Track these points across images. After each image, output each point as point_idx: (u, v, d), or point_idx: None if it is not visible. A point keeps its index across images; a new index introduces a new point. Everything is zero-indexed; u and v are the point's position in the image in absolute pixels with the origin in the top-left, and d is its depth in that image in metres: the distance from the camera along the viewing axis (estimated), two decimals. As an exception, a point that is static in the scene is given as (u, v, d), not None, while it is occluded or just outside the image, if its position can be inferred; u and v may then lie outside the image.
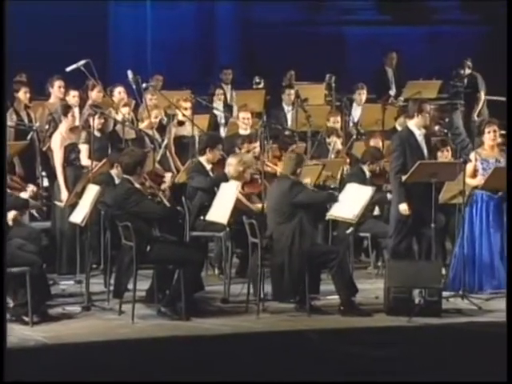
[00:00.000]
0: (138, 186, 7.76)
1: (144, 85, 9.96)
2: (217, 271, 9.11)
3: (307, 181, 8.25)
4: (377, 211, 9.27)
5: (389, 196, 8.93)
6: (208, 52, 14.82)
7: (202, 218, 8.68)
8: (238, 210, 8.29)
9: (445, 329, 7.31)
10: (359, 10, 15.19)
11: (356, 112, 11.91)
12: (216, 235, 8.76)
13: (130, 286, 7.65)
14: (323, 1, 15.35)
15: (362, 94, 11.92)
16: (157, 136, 10.02)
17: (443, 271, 8.25)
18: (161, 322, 7.50)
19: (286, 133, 10.83)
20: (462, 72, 12.59)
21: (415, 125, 8.48)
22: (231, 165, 8.76)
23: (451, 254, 8.75)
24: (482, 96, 12.55)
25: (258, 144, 9.45)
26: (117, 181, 8.72)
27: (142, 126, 9.99)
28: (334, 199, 8.07)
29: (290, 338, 7.23)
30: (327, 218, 8.50)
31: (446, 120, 11.47)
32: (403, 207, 8.32)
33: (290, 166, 7.93)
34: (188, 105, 10.33)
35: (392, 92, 13.04)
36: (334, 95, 12.03)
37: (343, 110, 11.40)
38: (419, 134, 8.48)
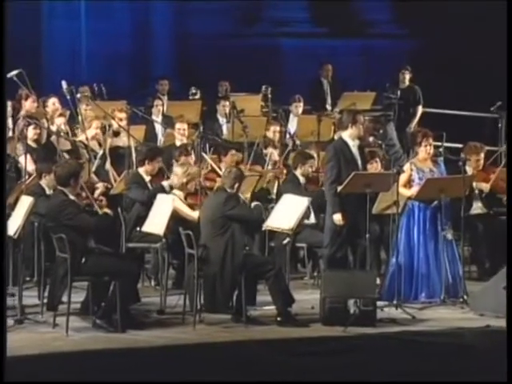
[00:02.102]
0: (72, 197, 7.68)
1: (78, 95, 9.90)
2: (153, 282, 9.08)
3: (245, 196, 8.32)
4: (313, 219, 9.33)
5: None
6: (144, 63, 14.78)
7: (138, 229, 8.65)
8: (179, 219, 8.29)
9: (379, 338, 7.38)
10: (295, 23, 15.31)
11: (292, 123, 12.00)
12: (152, 246, 8.73)
13: (65, 299, 7.56)
14: (259, 13, 15.44)
15: (298, 107, 12.02)
16: (96, 147, 9.97)
17: (378, 281, 8.33)
18: (96, 335, 7.43)
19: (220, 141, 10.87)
20: (401, 83, 12.76)
21: (349, 136, 8.58)
22: (176, 174, 8.83)
23: (386, 264, 8.85)
24: (420, 109, 12.76)
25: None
26: (48, 191, 8.64)
27: (81, 137, 9.93)
28: (263, 220, 8.11)
29: (227, 349, 7.22)
30: (264, 228, 8.53)
31: (380, 131, 11.61)
32: (337, 217, 8.39)
33: (229, 179, 7.97)
34: (123, 115, 10.30)
35: (327, 103, 13.16)
36: (271, 106, 12.11)
37: (280, 121, 11.48)
38: (353, 145, 8.58)
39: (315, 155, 9.88)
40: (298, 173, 9.44)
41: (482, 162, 9.52)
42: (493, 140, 11.96)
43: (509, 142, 8.38)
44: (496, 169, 9.67)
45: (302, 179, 9.41)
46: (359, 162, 8.55)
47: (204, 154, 9.75)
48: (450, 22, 14.10)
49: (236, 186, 7.97)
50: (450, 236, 8.43)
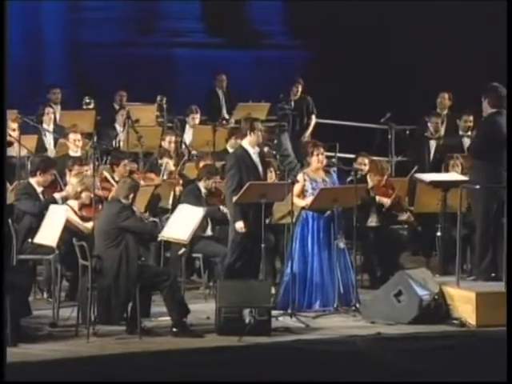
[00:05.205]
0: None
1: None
2: (45, 295, 8.93)
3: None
4: (209, 231, 9.36)
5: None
6: (36, 71, 14.54)
7: (29, 240, 8.50)
8: (69, 231, 8.18)
9: (274, 347, 7.44)
10: (189, 33, 15.33)
11: (188, 133, 12.01)
12: (45, 258, 8.60)
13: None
14: (154, 23, 15.39)
15: (195, 119, 12.05)
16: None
17: (273, 290, 8.41)
18: (-14, 349, 7.25)
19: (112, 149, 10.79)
20: (293, 95, 12.93)
21: (249, 143, 8.64)
22: (71, 184, 8.76)
23: (281, 273, 8.93)
24: (314, 119, 12.95)
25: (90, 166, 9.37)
26: None
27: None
28: (158, 231, 8.09)
29: (121, 360, 7.16)
30: (159, 239, 8.49)
31: (275, 142, 11.73)
32: (239, 225, 8.43)
33: (124, 189, 7.92)
34: (15, 125, 10.13)
35: (223, 113, 13.22)
36: (166, 116, 12.09)
37: (175, 131, 11.47)
38: (253, 152, 8.64)
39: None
40: (201, 185, 9.43)
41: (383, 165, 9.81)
42: (383, 151, 12.28)
43: (509, 142, 8.45)
44: (395, 184, 9.89)
45: (203, 192, 9.40)
46: (260, 169, 8.61)
47: (98, 164, 9.66)
48: (342, 33, 14.36)
49: (131, 196, 7.92)
50: (342, 245, 8.57)
